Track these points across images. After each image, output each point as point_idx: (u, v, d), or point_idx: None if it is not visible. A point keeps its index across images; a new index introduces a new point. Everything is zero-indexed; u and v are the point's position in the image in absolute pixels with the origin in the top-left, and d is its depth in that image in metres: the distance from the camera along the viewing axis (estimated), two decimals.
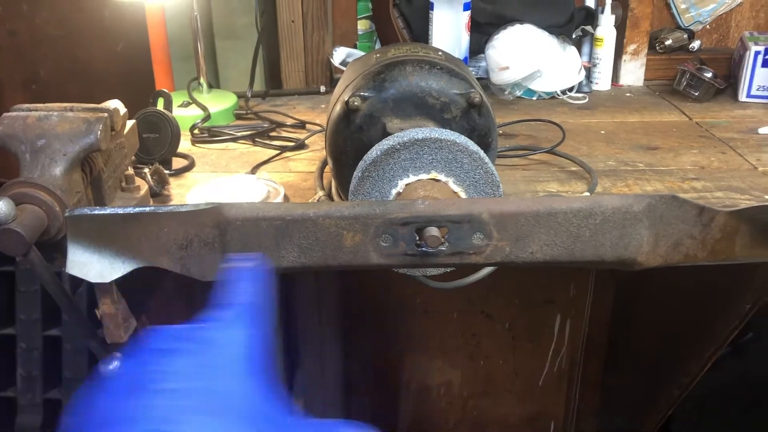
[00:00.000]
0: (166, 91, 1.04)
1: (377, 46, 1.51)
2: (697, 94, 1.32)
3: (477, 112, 0.77)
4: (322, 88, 1.40)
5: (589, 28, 1.39)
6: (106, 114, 0.73)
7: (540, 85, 1.34)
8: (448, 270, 0.68)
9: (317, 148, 1.10)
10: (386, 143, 0.65)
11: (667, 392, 1.40)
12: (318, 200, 0.85)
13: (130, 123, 0.88)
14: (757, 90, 1.31)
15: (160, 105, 1.03)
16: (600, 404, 1.78)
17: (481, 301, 1.68)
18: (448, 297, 1.67)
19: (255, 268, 0.49)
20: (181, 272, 0.61)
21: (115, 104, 0.80)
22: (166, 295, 1.12)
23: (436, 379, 1.79)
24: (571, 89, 1.36)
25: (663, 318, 1.44)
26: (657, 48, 1.47)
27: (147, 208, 0.60)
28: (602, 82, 1.40)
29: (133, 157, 0.99)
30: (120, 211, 0.60)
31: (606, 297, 1.65)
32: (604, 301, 1.65)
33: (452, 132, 0.66)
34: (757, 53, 1.29)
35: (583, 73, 1.37)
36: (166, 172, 0.97)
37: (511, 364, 1.77)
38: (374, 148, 0.66)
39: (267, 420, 0.38)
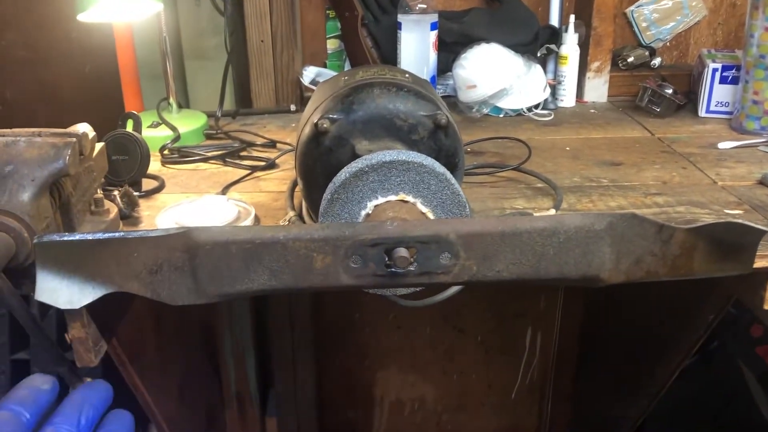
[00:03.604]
0: (135, 112, 1.04)
1: (347, 65, 1.53)
2: (658, 110, 1.36)
3: (444, 133, 0.78)
4: (293, 107, 1.41)
5: (553, 46, 1.43)
6: (74, 139, 0.73)
7: (507, 103, 1.36)
8: (418, 289, 0.69)
9: (288, 168, 1.11)
10: (355, 166, 0.66)
11: (636, 403, 1.43)
12: (289, 220, 0.85)
13: (99, 146, 0.88)
14: (716, 105, 1.35)
15: (130, 126, 1.03)
16: (572, 415, 1.80)
17: (453, 315, 1.70)
18: (420, 313, 1.68)
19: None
20: (152, 297, 0.61)
21: (84, 128, 0.80)
22: (137, 318, 1.11)
23: (410, 395, 1.80)
24: (537, 106, 1.39)
25: (631, 329, 1.47)
26: (620, 65, 1.51)
27: (116, 234, 0.60)
28: (567, 98, 1.43)
29: (103, 180, 0.99)
30: (89, 236, 0.60)
31: (575, 309, 1.67)
32: (574, 313, 1.68)
33: (419, 154, 0.67)
34: (714, 70, 1.33)
35: (549, 90, 1.40)
36: (136, 194, 0.96)
37: (484, 378, 1.78)
38: (343, 170, 0.67)
39: None
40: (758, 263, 0.79)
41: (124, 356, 1.05)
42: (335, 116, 0.76)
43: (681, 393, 1.47)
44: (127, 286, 0.61)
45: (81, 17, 1.06)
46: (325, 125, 0.75)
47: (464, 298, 1.71)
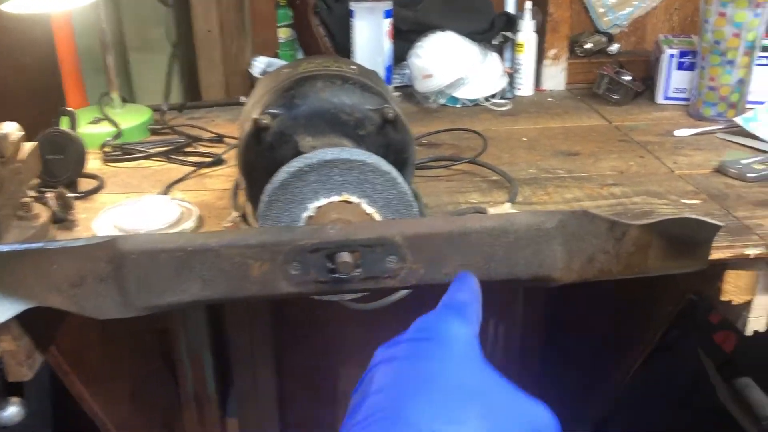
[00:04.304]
0: (71, 109, 0.99)
1: (299, 54, 1.48)
2: (616, 97, 1.34)
3: (392, 128, 0.75)
4: (243, 99, 1.36)
5: (509, 34, 1.40)
6: None
7: (464, 93, 1.33)
8: (366, 293, 0.66)
9: (235, 164, 1.07)
10: (294, 165, 0.63)
11: (601, 393, 1.42)
12: (232, 221, 0.81)
13: (29, 146, 0.83)
14: (674, 92, 1.34)
15: (65, 124, 0.98)
16: None
17: (416, 308, 1.67)
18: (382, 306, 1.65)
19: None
20: (76, 311, 0.57)
21: (7, 128, 0.75)
22: (79, 326, 1.06)
23: None
24: (494, 96, 1.36)
25: (593, 321, 1.46)
26: (577, 52, 1.48)
27: (34, 245, 0.56)
28: (525, 87, 1.41)
29: (37, 181, 0.93)
30: (5, 248, 0.56)
31: (537, 300, 1.66)
32: (536, 305, 1.66)
33: (363, 152, 0.64)
34: (671, 56, 1.32)
35: (506, 79, 1.37)
36: (73, 195, 0.92)
37: None
38: (281, 170, 0.63)
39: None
40: (714, 255, 0.78)
41: (66, 366, 1.00)
42: (276, 111, 0.72)
43: (644, 382, 1.46)
44: (48, 301, 0.57)
45: (5, 7, 1.00)
46: (265, 121, 0.72)
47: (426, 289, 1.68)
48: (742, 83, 1.21)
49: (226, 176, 1.02)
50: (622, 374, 1.29)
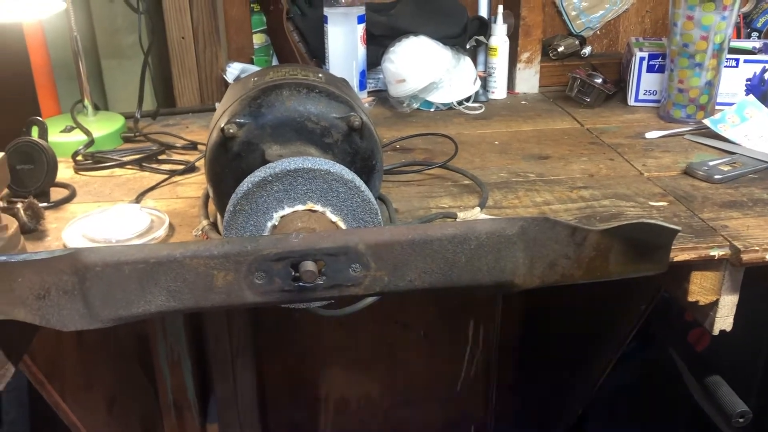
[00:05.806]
0: (40, 118, 0.99)
1: (274, 60, 1.48)
2: (588, 100, 1.35)
3: (359, 136, 0.75)
4: (218, 105, 1.36)
5: (482, 38, 1.41)
6: None
7: (437, 97, 1.34)
8: (332, 301, 0.67)
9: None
10: (258, 175, 0.63)
11: (576, 391, 1.43)
12: (202, 230, 0.82)
13: None
14: (644, 94, 1.36)
15: (35, 133, 0.98)
16: (517, 406, 1.80)
17: (396, 310, 1.68)
18: (361, 309, 1.65)
19: None
20: (41, 324, 0.57)
21: None
22: (54, 335, 1.06)
23: (355, 392, 1.78)
24: (468, 99, 1.37)
25: (569, 320, 1.47)
26: (550, 55, 1.50)
27: None
28: (498, 91, 1.42)
29: (7, 191, 0.93)
30: None
31: (515, 300, 1.67)
32: (514, 305, 1.68)
33: (327, 161, 0.65)
34: (642, 59, 1.34)
35: (479, 83, 1.38)
36: (44, 205, 0.91)
37: (429, 372, 1.77)
38: (246, 180, 0.64)
39: None
40: (680, 257, 0.80)
41: (42, 376, 1.00)
42: (243, 120, 0.73)
43: (620, 380, 1.48)
44: (12, 314, 0.57)
45: None
46: (231, 130, 0.72)
47: None
48: (711, 85, 1.23)
49: (198, 184, 1.02)
50: (598, 372, 1.30)
